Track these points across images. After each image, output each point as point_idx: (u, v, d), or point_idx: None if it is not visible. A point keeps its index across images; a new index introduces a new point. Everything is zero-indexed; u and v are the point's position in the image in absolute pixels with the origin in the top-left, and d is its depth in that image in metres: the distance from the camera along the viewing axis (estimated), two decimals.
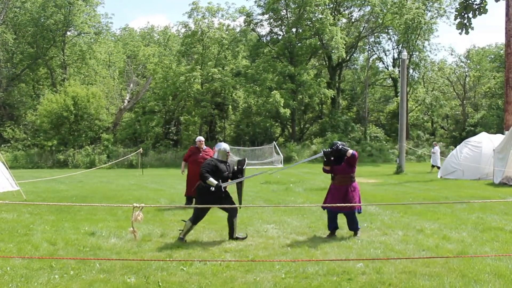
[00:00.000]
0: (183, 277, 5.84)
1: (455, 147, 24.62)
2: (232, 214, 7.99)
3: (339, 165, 8.09)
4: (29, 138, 36.21)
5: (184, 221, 8.13)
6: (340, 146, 8.03)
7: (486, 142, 20.20)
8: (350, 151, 7.98)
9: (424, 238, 7.91)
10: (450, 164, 21.09)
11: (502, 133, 20.60)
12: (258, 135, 40.85)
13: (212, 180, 7.75)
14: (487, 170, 19.12)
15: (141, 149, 29.06)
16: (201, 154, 11.71)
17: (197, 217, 7.94)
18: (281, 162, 32.85)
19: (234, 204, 8.08)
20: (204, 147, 11.94)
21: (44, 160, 33.44)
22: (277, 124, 44.22)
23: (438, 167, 23.38)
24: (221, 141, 7.73)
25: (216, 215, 10.15)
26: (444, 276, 5.78)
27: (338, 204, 7.58)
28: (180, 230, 8.11)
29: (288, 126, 43.21)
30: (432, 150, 24.72)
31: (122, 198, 13.55)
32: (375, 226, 8.95)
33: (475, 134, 26.12)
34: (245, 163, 8.35)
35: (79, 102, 35.00)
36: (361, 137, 41.12)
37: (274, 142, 36.35)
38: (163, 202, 12.71)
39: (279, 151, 33.82)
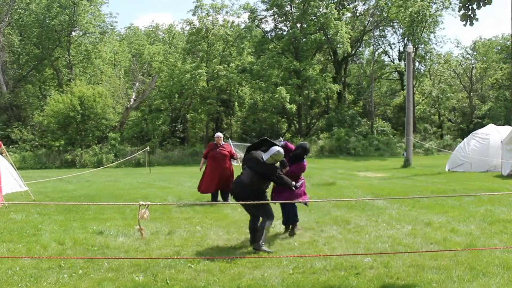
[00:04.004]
0: (191, 274, 5.86)
1: (463, 139, 24.49)
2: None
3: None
4: (37, 139, 36.37)
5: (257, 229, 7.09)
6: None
7: (493, 134, 20.05)
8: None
9: (432, 231, 7.88)
10: (457, 156, 20.95)
11: (510, 125, 20.55)
12: (264, 131, 40.85)
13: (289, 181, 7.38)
14: (495, 162, 19.00)
15: (148, 148, 29.12)
16: (218, 150, 11.74)
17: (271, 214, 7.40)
18: None
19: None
20: (222, 142, 11.97)
21: (52, 160, 33.57)
22: (283, 119, 44.18)
23: None
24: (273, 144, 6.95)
25: (222, 212, 10.17)
26: (453, 269, 5.76)
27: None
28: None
29: (295, 122, 43.14)
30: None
31: (130, 196, 13.57)
32: (383, 220, 8.92)
33: (482, 126, 25.97)
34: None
35: (85, 101, 35.09)
36: (368, 131, 41.04)
37: (280, 137, 36.32)
38: (171, 199, 12.73)
39: None
